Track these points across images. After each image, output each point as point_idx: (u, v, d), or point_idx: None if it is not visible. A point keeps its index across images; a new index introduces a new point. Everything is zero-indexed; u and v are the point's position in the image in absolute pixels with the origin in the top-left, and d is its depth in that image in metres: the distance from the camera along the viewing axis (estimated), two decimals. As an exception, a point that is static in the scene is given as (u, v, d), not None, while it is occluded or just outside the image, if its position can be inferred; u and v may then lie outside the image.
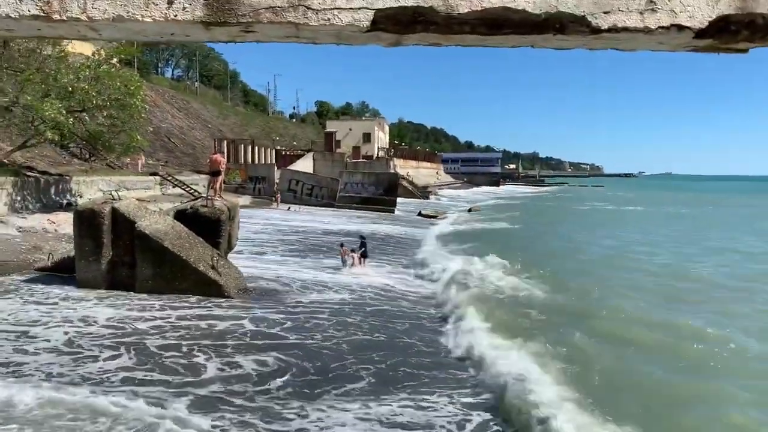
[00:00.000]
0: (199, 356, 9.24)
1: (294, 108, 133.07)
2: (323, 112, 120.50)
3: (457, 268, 17.29)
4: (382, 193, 43.25)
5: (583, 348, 9.61)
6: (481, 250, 20.75)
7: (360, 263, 18.50)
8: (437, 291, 14.18)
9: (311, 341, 10.30)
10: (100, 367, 8.55)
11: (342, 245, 19.13)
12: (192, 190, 32.76)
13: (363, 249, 18.82)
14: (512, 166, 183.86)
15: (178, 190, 33.46)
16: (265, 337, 10.45)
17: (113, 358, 8.97)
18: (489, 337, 10.18)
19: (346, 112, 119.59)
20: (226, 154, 44.48)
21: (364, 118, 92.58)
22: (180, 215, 14.17)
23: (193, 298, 12.61)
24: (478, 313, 11.62)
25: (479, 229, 33.59)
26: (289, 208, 39.29)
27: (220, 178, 15.15)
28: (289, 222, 31.05)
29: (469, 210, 49.09)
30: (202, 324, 11.05)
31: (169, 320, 11.16)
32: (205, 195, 15.35)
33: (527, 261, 18.74)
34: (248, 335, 10.52)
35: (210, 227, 14.01)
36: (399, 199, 45.61)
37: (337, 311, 12.43)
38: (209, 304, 12.45)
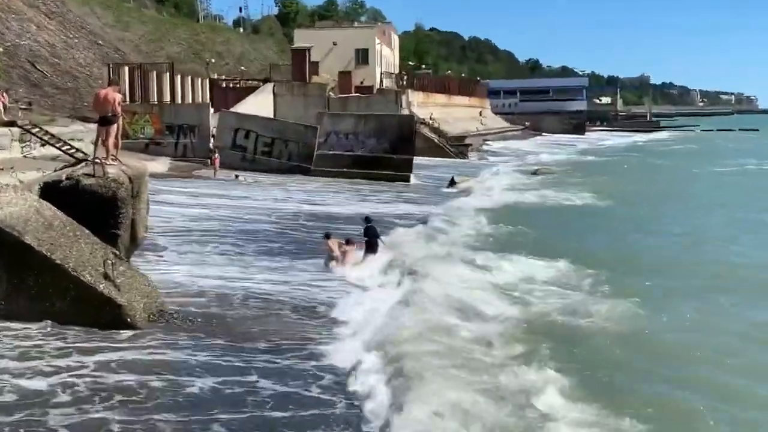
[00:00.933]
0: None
1: (240, 11, 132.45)
2: (289, 15, 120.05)
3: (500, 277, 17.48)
4: (389, 149, 43.40)
5: None
6: (538, 246, 20.93)
7: (363, 259, 19.08)
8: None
9: None
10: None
11: (328, 236, 19.76)
12: (72, 150, 32.74)
13: (371, 238, 19.56)
14: (605, 99, 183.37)
15: (50, 150, 33.54)
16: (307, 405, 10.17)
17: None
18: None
19: (327, 14, 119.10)
20: (126, 89, 44.46)
21: (357, 25, 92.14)
22: (51, 191, 14.15)
23: (125, 333, 12.76)
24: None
25: (540, 205, 33.76)
26: (236, 176, 39.33)
27: (116, 128, 15.03)
28: (245, 201, 31.26)
29: (535, 172, 49.71)
30: (154, 380, 10.89)
31: (83, 373, 11.05)
32: (92, 157, 15.27)
33: (608, 269, 18.67)
34: (267, 402, 10.32)
35: (100, 210, 14.00)
36: (417, 159, 45.66)
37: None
38: (162, 343, 12.45)
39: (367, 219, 20.74)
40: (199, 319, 13.92)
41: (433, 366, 11.53)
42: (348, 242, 19.44)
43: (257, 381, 11.15)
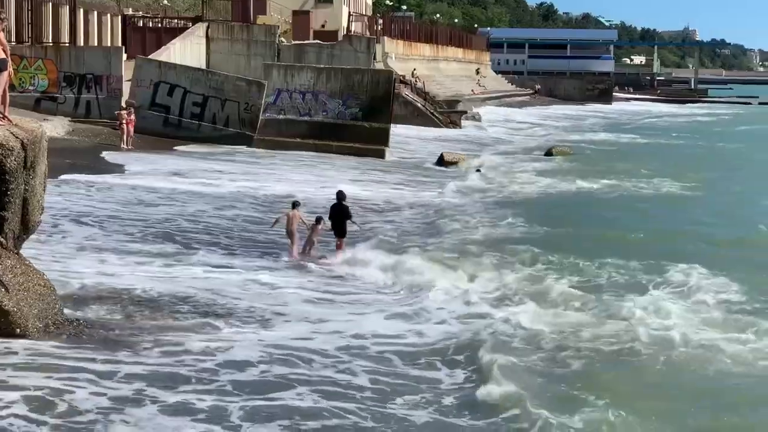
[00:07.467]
0: None
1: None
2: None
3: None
4: (359, 115, 40.81)
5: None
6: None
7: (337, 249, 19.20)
8: None
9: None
10: None
11: (295, 205, 19.59)
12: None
13: (340, 218, 19.18)
14: (638, 59, 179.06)
15: None
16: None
17: None
18: None
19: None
20: (12, 26, 42.52)
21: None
22: None
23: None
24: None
25: (556, 194, 32.13)
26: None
27: (6, 76, 14.42)
28: (179, 184, 29.05)
29: (549, 153, 47.76)
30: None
31: None
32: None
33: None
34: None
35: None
36: (396, 129, 43.89)
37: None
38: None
39: (339, 195, 19.82)
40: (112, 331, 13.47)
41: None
42: (318, 222, 19.20)
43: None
